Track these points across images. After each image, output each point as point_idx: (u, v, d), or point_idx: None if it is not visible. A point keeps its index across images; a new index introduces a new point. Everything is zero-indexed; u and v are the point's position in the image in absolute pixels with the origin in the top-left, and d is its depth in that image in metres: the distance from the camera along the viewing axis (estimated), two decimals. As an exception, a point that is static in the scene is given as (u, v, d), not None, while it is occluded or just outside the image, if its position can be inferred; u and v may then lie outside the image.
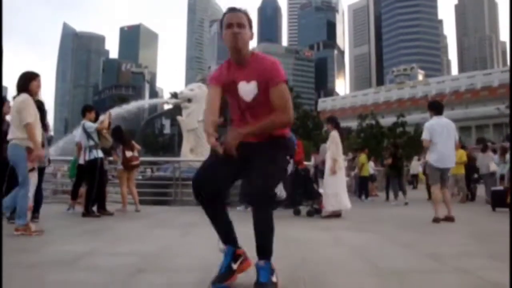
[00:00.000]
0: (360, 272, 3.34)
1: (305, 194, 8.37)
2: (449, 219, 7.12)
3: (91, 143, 7.62)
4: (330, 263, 3.69)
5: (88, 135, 7.64)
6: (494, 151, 14.58)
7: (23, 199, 5.19)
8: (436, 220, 7.00)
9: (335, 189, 7.92)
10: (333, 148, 8.06)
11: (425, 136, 7.40)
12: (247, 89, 2.77)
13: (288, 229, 6.11)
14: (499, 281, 2.92)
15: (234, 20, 2.72)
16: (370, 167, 17.43)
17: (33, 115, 5.20)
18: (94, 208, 7.80)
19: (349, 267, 3.54)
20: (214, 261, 3.62)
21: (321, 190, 8.49)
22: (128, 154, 8.68)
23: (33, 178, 5.52)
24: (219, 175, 2.82)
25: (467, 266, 3.51)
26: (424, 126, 7.57)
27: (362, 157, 15.11)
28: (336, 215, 7.90)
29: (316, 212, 8.16)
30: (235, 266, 2.88)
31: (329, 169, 8.08)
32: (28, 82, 5.37)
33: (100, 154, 7.69)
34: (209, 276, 3.02)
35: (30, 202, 5.49)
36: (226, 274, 2.82)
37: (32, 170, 5.41)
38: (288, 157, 2.87)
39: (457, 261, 3.74)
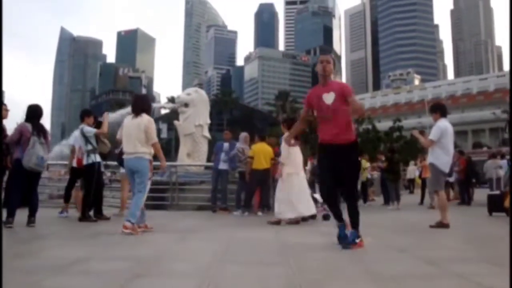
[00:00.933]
0: (357, 277, 3.33)
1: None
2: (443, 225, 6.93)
3: (89, 147, 7.61)
4: (327, 268, 3.69)
5: (87, 139, 7.63)
6: (503, 156, 14.76)
7: (139, 200, 6.05)
8: (445, 225, 6.77)
9: (287, 195, 7.62)
10: (284, 152, 7.85)
11: (435, 136, 7.08)
12: (328, 97, 4.77)
13: (285, 235, 6.11)
14: (496, 286, 2.93)
15: (325, 59, 4.88)
16: (368, 172, 17.40)
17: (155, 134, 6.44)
18: (91, 213, 7.77)
19: (346, 272, 3.53)
20: (211, 266, 3.62)
21: (316, 196, 8.36)
22: None
23: (148, 185, 6.41)
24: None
25: (464, 271, 3.51)
26: (436, 126, 7.18)
27: (363, 162, 15.03)
28: (295, 222, 7.57)
29: (310, 217, 7.98)
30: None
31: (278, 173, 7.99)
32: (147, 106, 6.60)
33: (98, 158, 7.68)
34: (205, 282, 3.02)
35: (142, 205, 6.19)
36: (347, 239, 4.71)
37: (149, 179, 6.39)
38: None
39: (454, 266, 3.75)
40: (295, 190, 7.69)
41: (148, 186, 6.38)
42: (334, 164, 4.75)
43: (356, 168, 5.05)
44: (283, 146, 7.67)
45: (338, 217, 4.88)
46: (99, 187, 7.81)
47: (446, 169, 7.15)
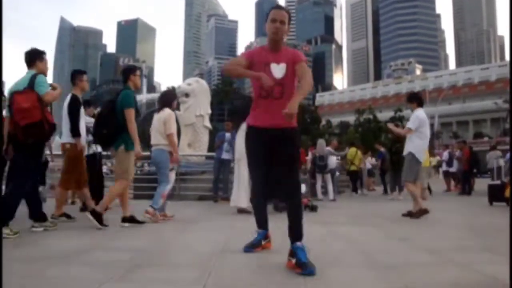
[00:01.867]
0: (357, 266, 3.35)
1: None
2: (413, 214, 6.95)
3: (90, 138, 7.60)
4: (328, 257, 3.70)
5: (88, 129, 7.62)
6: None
7: (161, 190, 6.40)
8: (424, 211, 6.82)
9: (237, 183, 7.57)
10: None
11: (413, 125, 7.10)
12: (277, 69, 3.48)
13: (285, 224, 6.12)
14: (496, 275, 2.94)
15: (279, 17, 3.49)
16: (368, 162, 17.41)
17: (174, 127, 6.62)
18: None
19: (347, 261, 3.55)
20: (212, 256, 3.64)
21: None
22: None
23: (172, 176, 6.84)
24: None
25: (464, 259, 3.52)
26: (414, 115, 7.22)
27: (350, 151, 14.91)
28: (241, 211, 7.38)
29: (284, 208, 7.94)
30: (263, 242, 4.03)
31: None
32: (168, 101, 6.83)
33: (99, 149, 7.68)
34: (206, 272, 3.03)
35: (165, 193, 6.52)
36: (256, 244, 3.95)
37: (171, 170, 6.76)
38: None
39: (454, 254, 3.76)
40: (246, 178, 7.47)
41: (173, 177, 6.91)
42: (270, 155, 3.58)
43: (298, 159, 3.71)
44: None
45: (264, 222, 4.10)
46: (99, 177, 7.81)
47: (421, 159, 7.22)
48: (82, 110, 6.61)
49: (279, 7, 3.62)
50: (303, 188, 8.11)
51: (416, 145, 7.11)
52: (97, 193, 7.76)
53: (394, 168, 12.70)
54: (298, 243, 3.34)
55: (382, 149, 15.20)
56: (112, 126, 5.71)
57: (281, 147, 3.50)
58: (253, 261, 3.49)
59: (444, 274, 3.07)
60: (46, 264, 3.31)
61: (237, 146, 7.82)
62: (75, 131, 6.35)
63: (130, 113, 5.68)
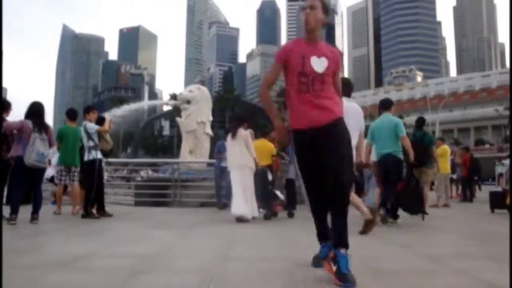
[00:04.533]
0: (358, 273, 3.34)
1: (262, 196, 7.93)
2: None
3: (91, 143, 7.63)
4: (329, 264, 3.70)
5: (89, 135, 7.65)
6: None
7: None
8: (372, 221, 5.65)
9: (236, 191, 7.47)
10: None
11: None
12: (319, 63, 3.19)
13: (286, 231, 6.13)
14: (497, 282, 2.94)
15: (308, 3, 3.23)
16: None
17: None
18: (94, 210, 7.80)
19: (347, 268, 3.54)
20: (213, 263, 3.64)
21: (278, 193, 8.15)
22: None
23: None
24: None
25: (465, 267, 3.52)
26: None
27: None
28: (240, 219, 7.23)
29: (273, 215, 7.83)
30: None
31: None
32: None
33: (99, 155, 7.70)
34: (208, 278, 3.03)
35: None
36: (323, 258, 3.30)
37: None
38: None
39: (455, 262, 3.76)
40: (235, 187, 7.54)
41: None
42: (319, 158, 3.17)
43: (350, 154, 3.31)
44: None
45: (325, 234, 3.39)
46: (100, 184, 7.82)
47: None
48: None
49: None
50: (280, 196, 8.09)
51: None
52: (97, 198, 7.77)
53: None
54: (342, 251, 3.04)
55: None
56: None
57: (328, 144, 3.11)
58: (254, 268, 3.49)
59: (444, 281, 3.07)
60: (47, 270, 3.31)
61: (229, 154, 7.79)
62: None
63: None
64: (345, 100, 5.99)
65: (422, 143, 8.37)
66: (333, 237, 3.14)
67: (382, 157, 6.82)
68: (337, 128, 3.16)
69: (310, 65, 3.16)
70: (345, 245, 3.07)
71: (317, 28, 3.25)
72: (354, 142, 5.85)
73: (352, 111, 5.79)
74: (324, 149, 3.11)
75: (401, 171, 6.89)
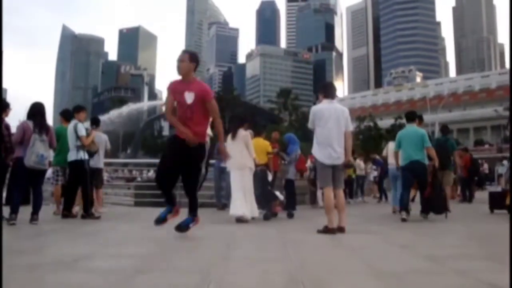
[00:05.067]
0: (358, 273, 3.35)
1: (262, 196, 7.90)
2: (340, 229, 5.71)
3: (79, 143, 7.59)
4: (329, 264, 3.71)
5: (77, 135, 7.62)
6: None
7: None
8: (330, 231, 5.61)
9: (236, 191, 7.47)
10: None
11: (310, 124, 6.17)
12: (188, 96, 4.90)
13: (286, 231, 6.13)
14: (497, 283, 2.94)
15: (179, 58, 4.99)
16: (373, 169, 17.35)
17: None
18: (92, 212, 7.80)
19: (348, 269, 3.55)
20: (213, 263, 3.65)
21: (277, 193, 8.16)
22: None
23: None
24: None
25: (465, 267, 3.52)
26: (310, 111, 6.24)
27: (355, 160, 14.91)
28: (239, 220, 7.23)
29: (273, 215, 7.86)
30: (169, 216, 5.59)
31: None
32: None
33: (86, 156, 7.64)
34: (207, 278, 3.04)
35: None
36: (162, 219, 5.51)
37: None
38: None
39: (455, 262, 3.76)
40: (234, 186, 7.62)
41: None
42: (181, 158, 5.08)
43: (198, 166, 5.44)
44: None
45: (170, 200, 5.67)
46: (84, 183, 7.69)
47: (327, 160, 5.89)
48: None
49: (183, 51, 5.11)
50: (280, 196, 8.08)
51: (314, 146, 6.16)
52: (83, 198, 7.70)
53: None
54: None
55: (378, 157, 15.28)
56: None
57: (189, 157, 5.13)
58: (254, 268, 3.50)
59: (444, 282, 3.07)
60: (47, 270, 3.32)
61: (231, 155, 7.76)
62: None
63: None
64: (327, 102, 6.07)
65: (445, 148, 9.39)
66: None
67: (410, 163, 7.58)
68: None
69: (184, 98, 4.91)
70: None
71: (188, 73, 4.99)
72: (341, 142, 5.89)
73: (333, 114, 5.93)
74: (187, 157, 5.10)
75: (426, 175, 7.65)
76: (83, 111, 8.11)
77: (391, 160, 9.07)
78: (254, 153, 7.64)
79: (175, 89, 5.00)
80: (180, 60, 4.93)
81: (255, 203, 7.51)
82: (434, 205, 7.62)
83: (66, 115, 8.31)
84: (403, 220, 7.23)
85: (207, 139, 5.77)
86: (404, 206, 7.56)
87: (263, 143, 8.58)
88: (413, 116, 8.15)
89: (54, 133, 7.17)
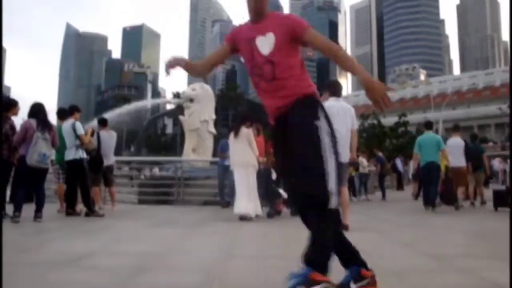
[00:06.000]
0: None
1: (265, 195, 7.95)
2: (343, 227, 5.26)
3: (78, 142, 7.63)
4: (332, 263, 3.70)
5: (76, 135, 7.64)
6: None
7: None
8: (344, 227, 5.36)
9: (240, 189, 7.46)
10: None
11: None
12: (264, 42, 2.57)
13: (290, 229, 6.13)
14: (500, 281, 2.93)
15: None
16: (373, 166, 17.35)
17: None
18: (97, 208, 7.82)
19: (350, 267, 3.54)
20: (216, 261, 3.65)
21: (281, 191, 8.14)
22: None
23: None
24: None
25: (468, 265, 3.51)
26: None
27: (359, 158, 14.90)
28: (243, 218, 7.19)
29: (276, 213, 7.88)
30: (353, 286, 2.59)
31: None
32: None
33: (84, 154, 7.70)
34: (210, 276, 3.04)
35: None
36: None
37: None
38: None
39: (458, 260, 3.75)
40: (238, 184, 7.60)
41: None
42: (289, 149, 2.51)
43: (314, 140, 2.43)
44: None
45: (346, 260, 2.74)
46: (83, 181, 7.73)
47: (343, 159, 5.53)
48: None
49: None
50: (284, 194, 8.04)
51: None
52: (84, 196, 7.73)
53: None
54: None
55: (380, 154, 15.25)
56: None
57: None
58: (257, 267, 3.50)
59: (447, 280, 3.06)
60: (50, 268, 3.33)
61: (232, 153, 7.79)
62: None
63: None
64: (333, 100, 6.07)
65: (477, 152, 10.80)
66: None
67: (427, 163, 9.14)
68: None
69: (257, 49, 2.60)
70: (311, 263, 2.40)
71: (264, 7, 2.64)
72: (348, 140, 5.91)
73: (341, 112, 5.98)
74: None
75: (439, 172, 9.24)
76: (79, 112, 8.20)
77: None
78: (257, 150, 7.63)
79: (238, 36, 2.75)
80: None
81: (258, 201, 7.50)
82: (447, 198, 9.54)
83: (61, 114, 8.36)
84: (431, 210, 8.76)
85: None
86: (430, 200, 9.03)
87: None
88: (430, 125, 9.92)
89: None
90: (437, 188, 9.25)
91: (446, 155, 9.22)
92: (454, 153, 9.59)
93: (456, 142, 9.87)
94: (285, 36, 2.53)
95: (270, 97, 2.67)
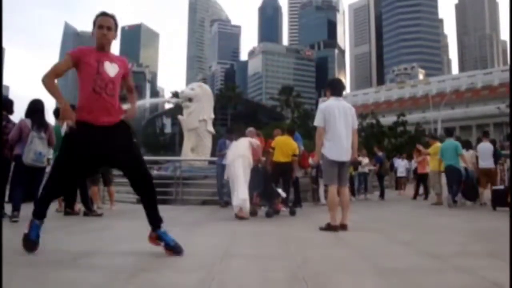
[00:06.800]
0: (361, 271, 3.34)
1: (264, 194, 7.96)
2: (343, 227, 5.75)
3: None
4: (331, 262, 3.70)
5: None
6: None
7: None
8: (333, 228, 5.65)
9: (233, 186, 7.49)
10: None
11: (318, 122, 6.01)
12: (111, 68, 3.84)
13: (289, 229, 6.13)
14: (500, 280, 2.93)
15: (105, 24, 3.90)
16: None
17: None
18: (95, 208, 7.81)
19: (350, 266, 3.54)
20: (215, 261, 3.64)
21: (279, 190, 8.07)
22: None
23: None
24: None
25: (468, 265, 3.51)
26: (318, 108, 6.21)
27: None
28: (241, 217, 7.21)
29: (275, 212, 7.85)
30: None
31: None
32: None
33: None
34: (210, 276, 3.03)
35: None
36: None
37: None
38: None
39: (458, 260, 3.75)
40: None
41: None
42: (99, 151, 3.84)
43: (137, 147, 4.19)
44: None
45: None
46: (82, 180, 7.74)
47: (334, 157, 5.85)
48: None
49: (105, 14, 4.03)
50: (282, 193, 8.05)
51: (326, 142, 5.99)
52: (82, 196, 7.73)
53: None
54: (161, 229, 4.03)
55: (380, 153, 15.25)
56: None
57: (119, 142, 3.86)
58: (256, 266, 3.49)
59: (448, 279, 3.06)
60: (49, 268, 3.31)
61: (231, 148, 7.94)
62: None
63: None
64: (333, 99, 6.07)
65: (498, 157, 11.73)
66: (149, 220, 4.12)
67: (447, 166, 10.53)
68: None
69: (104, 69, 3.81)
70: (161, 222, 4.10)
71: (109, 43, 3.99)
72: (349, 139, 5.94)
73: (342, 111, 5.98)
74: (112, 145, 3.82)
75: (459, 174, 10.43)
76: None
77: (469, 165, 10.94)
78: (260, 152, 7.74)
79: (85, 55, 3.88)
80: (108, 28, 3.91)
81: (242, 193, 7.33)
82: (469, 195, 10.74)
83: (58, 113, 8.32)
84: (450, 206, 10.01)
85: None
86: (452, 197, 10.28)
87: (292, 144, 8.53)
88: (450, 132, 11.83)
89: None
90: (458, 187, 10.45)
91: (464, 159, 10.43)
92: (485, 156, 10.74)
93: (486, 146, 10.91)
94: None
95: None
